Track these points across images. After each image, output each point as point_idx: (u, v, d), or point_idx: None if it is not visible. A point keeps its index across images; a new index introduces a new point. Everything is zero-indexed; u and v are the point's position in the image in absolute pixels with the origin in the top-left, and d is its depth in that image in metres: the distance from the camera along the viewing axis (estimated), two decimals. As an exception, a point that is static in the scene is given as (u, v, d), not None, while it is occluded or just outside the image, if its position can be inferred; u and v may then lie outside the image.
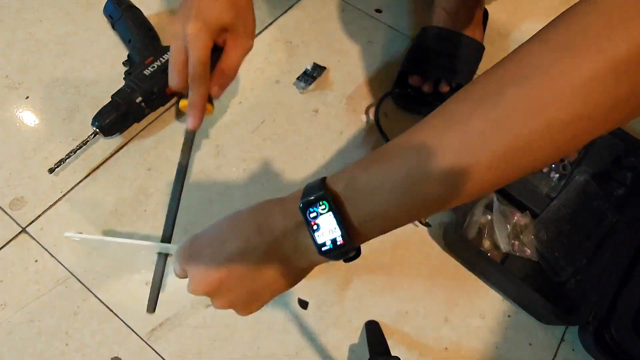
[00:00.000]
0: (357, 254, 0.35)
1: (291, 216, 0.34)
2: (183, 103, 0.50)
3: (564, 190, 0.63)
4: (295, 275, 0.37)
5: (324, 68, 0.73)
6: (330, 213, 0.32)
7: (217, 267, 0.35)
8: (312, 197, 0.32)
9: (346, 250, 0.33)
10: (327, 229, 0.32)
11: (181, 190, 0.50)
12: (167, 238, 0.50)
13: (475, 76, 0.72)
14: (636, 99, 0.26)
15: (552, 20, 0.29)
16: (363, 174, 0.32)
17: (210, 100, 0.50)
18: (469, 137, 0.28)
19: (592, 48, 0.26)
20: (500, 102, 0.28)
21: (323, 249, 0.32)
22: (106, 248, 0.58)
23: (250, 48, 0.51)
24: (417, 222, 0.62)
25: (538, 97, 0.27)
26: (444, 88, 0.69)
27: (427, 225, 0.62)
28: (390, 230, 0.33)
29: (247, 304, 0.38)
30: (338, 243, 0.32)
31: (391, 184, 0.30)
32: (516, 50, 0.29)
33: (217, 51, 0.50)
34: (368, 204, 0.32)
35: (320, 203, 0.32)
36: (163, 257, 0.52)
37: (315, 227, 0.32)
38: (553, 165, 0.64)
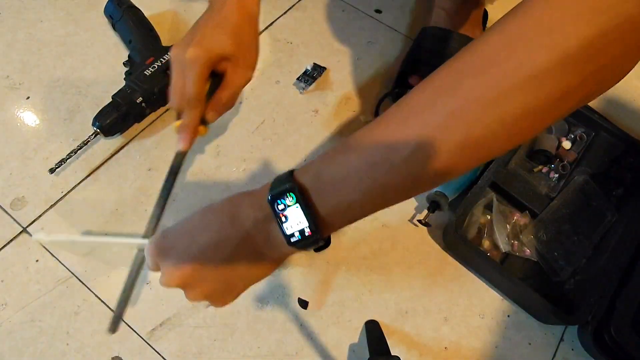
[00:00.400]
0: (327, 243, 0.36)
1: (261, 208, 0.34)
2: (177, 124, 0.51)
3: (563, 190, 0.63)
4: (268, 265, 0.37)
5: (324, 68, 0.73)
6: (298, 205, 0.32)
7: (190, 260, 0.36)
8: (279, 190, 0.33)
9: (314, 241, 0.33)
10: (295, 220, 0.33)
11: (166, 199, 0.50)
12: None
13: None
14: (584, 89, 0.28)
15: (511, 9, 0.29)
16: (329, 166, 0.32)
17: (204, 122, 0.51)
18: (428, 129, 0.29)
19: (545, 41, 0.27)
20: (457, 94, 0.29)
21: (292, 239, 0.33)
22: (82, 248, 0.56)
23: (249, 79, 0.52)
24: (417, 222, 0.62)
25: (493, 89, 0.28)
26: None
27: (427, 225, 0.62)
28: (357, 220, 0.34)
29: (222, 295, 0.38)
30: (306, 234, 0.33)
31: (355, 175, 0.31)
32: (476, 40, 0.30)
33: (217, 77, 0.51)
34: (334, 195, 0.32)
35: (288, 195, 0.32)
36: (137, 266, 0.47)
37: (283, 218, 0.33)
38: (552, 165, 0.65)
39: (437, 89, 0.30)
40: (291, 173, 0.34)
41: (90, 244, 0.55)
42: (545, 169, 0.65)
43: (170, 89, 0.50)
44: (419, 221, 0.62)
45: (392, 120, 0.31)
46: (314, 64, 0.73)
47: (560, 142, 0.66)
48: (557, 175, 0.64)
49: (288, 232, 0.33)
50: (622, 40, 0.27)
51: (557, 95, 0.27)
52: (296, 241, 0.33)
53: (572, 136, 0.67)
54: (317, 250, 0.35)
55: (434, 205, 0.61)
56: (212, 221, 0.36)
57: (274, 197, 0.33)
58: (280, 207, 0.33)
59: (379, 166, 0.30)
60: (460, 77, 0.29)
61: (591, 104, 0.70)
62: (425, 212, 0.63)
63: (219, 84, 0.50)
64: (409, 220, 0.63)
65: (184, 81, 0.48)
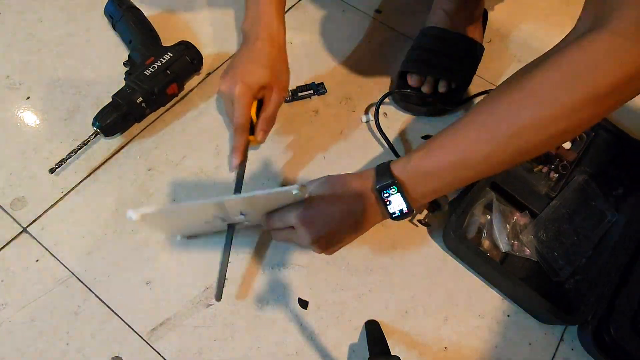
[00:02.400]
0: (410, 211, 0.48)
1: (370, 196, 0.49)
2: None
3: (563, 190, 0.63)
4: (368, 227, 0.51)
5: (322, 86, 0.72)
6: (399, 194, 0.47)
7: (330, 227, 0.49)
8: (384, 183, 0.47)
9: (408, 215, 0.48)
10: (396, 203, 0.47)
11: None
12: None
13: (475, 76, 0.73)
14: (605, 113, 0.42)
15: (548, 55, 0.45)
16: (421, 164, 0.46)
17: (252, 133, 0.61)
18: (502, 135, 0.42)
19: (579, 82, 0.39)
20: (520, 115, 0.41)
21: (394, 215, 0.48)
22: (176, 220, 0.55)
23: (284, 98, 0.64)
24: (417, 222, 0.62)
25: (545, 112, 0.40)
26: (443, 88, 0.69)
27: (427, 225, 0.62)
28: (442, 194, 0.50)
29: (336, 248, 0.53)
30: (404, 212, 0.48)
31: (445, 170, 0.45)
32: (528, 76, 0.41)
33: (259, 102, 0.61)
34: (426, 184, 0.47)
35: (391, 187, 0.47)
36: (230, 238, 0.56)
37: (388, 202, 0.48)
38: (552, 165, 0.65)
39: (501, 109, 0.43)
40: (389, 168, 0.47)
41: (184, 211, 0.52)
42: (545, 169, 0.65)
43: (232, 119, 0.60)
44: (419, 221, 0.62)
45: (477, 124, 0.44)
46: (313, 82, 0.72)
47: None
48: (557, 175, 0.64)
49: (391, 211, 0.48)
50: None
51: (586, 121, 0.41)
52: (396, 216, 0.48)
53: (572, 136, 0.67)
54: (404, 218, 0.49)
55: (433, 205, 0.61)
56: (344, 198, 0.49)
57: (380, 189, 0.47)
58: (386, 195, 0.47)
59: (458, 166, 0.45)
60: (520, 103, 0.41)
61: (614, 114, 0.71)
62: (425, 212, 0.63)
63: (259, 107, 0.61)
64: (409, 220, 0.63)
65: (232, 112, 0.59)
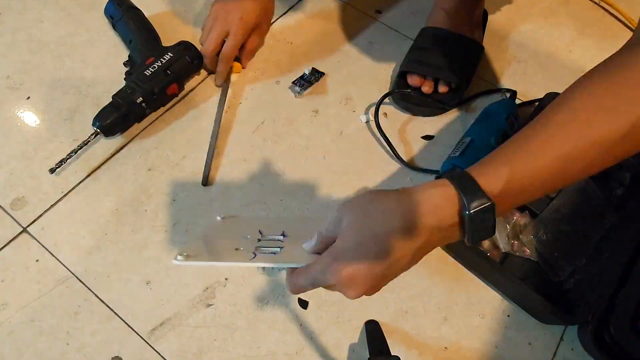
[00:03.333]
0: (493, 233, 0.39)
1: (447, 219, 0.37)
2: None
3: (563, 190, 0.63)
4: (421, 258, 0.41)
5: (322, 73, 0.73)
6: (491, 216, 0.36)
7: (376, 279, 0.37)
8: (480, 209, 0.35)
9: (489, 237, 0.38)
10: (483, 227, 0.36)
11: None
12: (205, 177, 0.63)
13: (474, 76, 0.73)
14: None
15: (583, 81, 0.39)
16: (514, 183, 0.37)
17: (238, 59, 0.71)
18: (577, 147, 0.37)
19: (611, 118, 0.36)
20: (584, 136, 0.37)
21: (472, 240, 0.37)
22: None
23: (266, 33, 0.74)
24: None
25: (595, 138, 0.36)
26: (443, 88, 0.69)
27: None
28: None
29: (379, 289, 0.40)
30: (489, 234, 0.37)
31: (538, 182, 0.37)
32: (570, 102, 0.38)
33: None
34: (517, 199, 0.38)
35: (487, 210, 0.35)
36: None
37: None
38: None
39: (562, 128, 0.37)
40: (475, 182, 0.36)
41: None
42: None
43: (209, 40, 0.68)
44: None
45: (572, 135, 0.37)
46: (313, 68, 0.73)
47: None
48: None
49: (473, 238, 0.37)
50: None
51: (620, 157, 0.37)
52: (476, 241, 0.38)
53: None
54: None
55: None
56: (395, 238, 0.37)
57: (475, 215, 0.35)
58: (478, 219, 0.36)
59: (560, 175, 0.37)
60: (570, 125, 0.37)
61: None
62: None
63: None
64: None
65: (223, 40, 0.67)
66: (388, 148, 0.66)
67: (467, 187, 0.36)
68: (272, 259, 0.43)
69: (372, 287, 0.38)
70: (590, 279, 0.57)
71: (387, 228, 0.37)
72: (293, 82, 0.72)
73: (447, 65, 0.68)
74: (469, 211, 0.35)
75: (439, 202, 0.37)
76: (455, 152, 0.62)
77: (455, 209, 0.36)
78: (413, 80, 0.69)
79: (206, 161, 0.64)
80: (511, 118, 0.65)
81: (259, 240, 0.47)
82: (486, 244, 0.60)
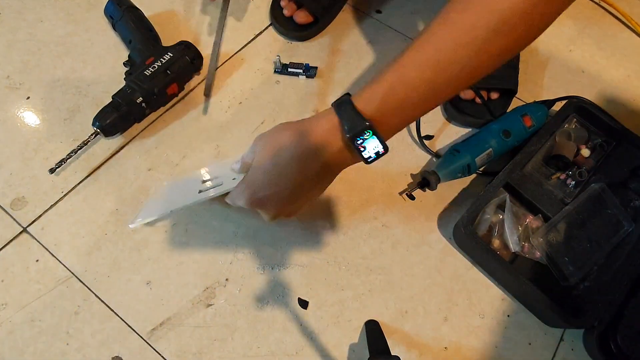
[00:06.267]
0: (387, 150, 0.42)
1: (335, 144, 0.41)
2: None
3: (578, 196, 0.62)
4: (330, 181, 0.46)
5: (315, 68, 0.73)
6: (374, 136, 0.40)
7: (285, 202, 0.43)
8: (358, 130, 0.40)
9: (384, 154, 0.42)
10: (371, 147, 0.41)
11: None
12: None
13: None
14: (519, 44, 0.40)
15: None
16: (390, 94, 0.40)
17: None
18: (453, 43, 0.39)
19: (489, 7, 0.37)
20: (449, 36, 0.39)
21: (369, 160, 0.42)
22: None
23: None
24: (405, 197, 0.64)
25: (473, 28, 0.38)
26: (495, 95, 0.69)
27: (411, 198, 0.63)
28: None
29: (303, 207, 0.48)
30: (380, 153, 0.41)
31: (416, 97, 0.40)
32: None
33: None
34: (398, 116, 0.41)
35: (365, 132, 0.40)
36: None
37: (362, 148, 0.41)
38: (569, 172, 0.63)
39: (432, 34, 0.39)
40: (354, 108, 0.40)
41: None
42: (562, 176, 0.63)
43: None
44: (405, 193, 0.64)
45: (438, 41, 0.39)
46: (307, 64, 0.73)
47: (579, 150, 0.65)
48: (574, 182, 0.63)
49: (366, 157, 0.41)
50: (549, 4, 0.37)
51: (497, 56, 0.39)
52: (372, 160, 0.42)
53: (592, 144, 0.66)
54: (379, 158, 0.43)
55: (424, 182, 0.62)
56: (292, 167, 0.42)
57: (354, 137, 0.40)
58: (359, 141, 0.40)
59: (426, 95, 0.40)
60: (450, 24, 0.39)
61: (613, 113, 0.68)
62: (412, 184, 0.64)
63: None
64: (399, 194, 0.64)
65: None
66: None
67: (345, 112, 0.40)
68: (214, 190, 0.49)
69: (284, 211, 0.45)
70: (600, 286, 0.56)
71: (286, 156, 0.42)
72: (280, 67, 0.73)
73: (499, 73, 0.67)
74: (348, 135, 0.40)
75: (326, 129, 0.41)
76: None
77: (340, 134, 0.41)
78: (465, 93, 0.69)
79: (209, 70, 0.68)
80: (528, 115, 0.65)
81: (203, 182, 0.55)
82: (496, 243, 0.60)
